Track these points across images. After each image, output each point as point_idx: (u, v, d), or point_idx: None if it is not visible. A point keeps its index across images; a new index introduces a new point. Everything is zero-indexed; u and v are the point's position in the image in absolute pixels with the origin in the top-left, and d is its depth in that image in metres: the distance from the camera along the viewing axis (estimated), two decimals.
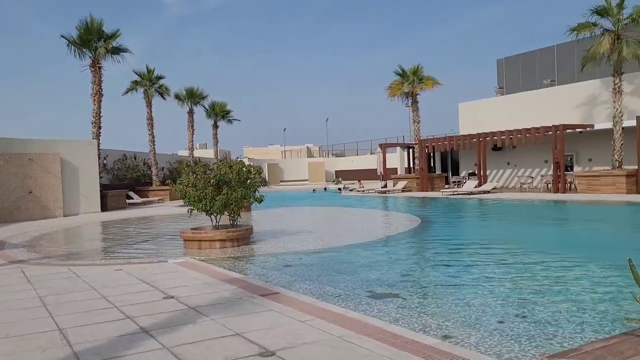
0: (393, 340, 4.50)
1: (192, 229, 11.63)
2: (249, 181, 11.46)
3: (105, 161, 30.12)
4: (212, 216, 11.35)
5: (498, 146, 30.12)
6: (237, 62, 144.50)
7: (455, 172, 35.78)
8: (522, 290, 6.85)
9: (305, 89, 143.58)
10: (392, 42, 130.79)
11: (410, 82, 32.83)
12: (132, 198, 30.19)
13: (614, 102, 22.89)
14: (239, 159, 11.40)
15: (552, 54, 34.30)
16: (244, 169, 11.26)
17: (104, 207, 24.82)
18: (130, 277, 7.90)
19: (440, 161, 36.75)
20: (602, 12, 22.61)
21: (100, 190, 24.83)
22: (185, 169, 11.46)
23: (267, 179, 54.44)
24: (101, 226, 18.31)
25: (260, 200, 11.61)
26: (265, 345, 4.51)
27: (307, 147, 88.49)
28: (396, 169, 40.55)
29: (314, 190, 41.79)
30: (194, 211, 11.42)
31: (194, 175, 11.22)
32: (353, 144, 75.00)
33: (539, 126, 25.52)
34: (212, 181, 10.93)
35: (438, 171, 35.95)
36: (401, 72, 33.15)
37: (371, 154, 62.35)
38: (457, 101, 34.57)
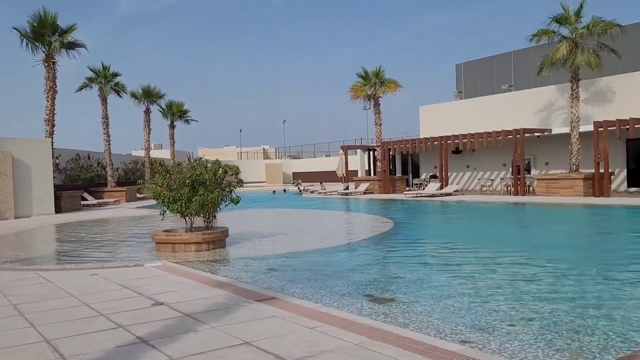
0: (415, 347, 4.32)
1: (165, 231, 11.15)
2: (224, 182, 11.07)
3: (57, 161, 28.81)
4: (187, 218, 10.90)
5: (459, 149, 30.65)
6: (192, 61, 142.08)
7: (416, 174, 36.18)
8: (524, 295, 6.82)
9: (261, 89, 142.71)
10: (352, 43, 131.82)
11: (372, 85, 32.96)
12: (86, 199, 28.99)
13: (571, 107, 23.63)
14: (202, 160, 10.99)
15: (510, 60, 35.24)
16: (220, 169, 10.87)
17: (58, 209, 23.71)
18: (110, 283, 7.43)
19: (401, 164, 37.07)
20: (561, 20, 23.31)
21: (54, 191, 23.71)
22: (158, 168, 10.97)
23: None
24: (59, 229, 17.40)
25: (237, 202, 11.23)
26: (281, 355, 4.24)
27: (264, 148, 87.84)
28: (356, 171, 40.63)
29: (274, 191, 41.40)
30: (166, 213, 10.95)
31: (168, 176, 10.74)
32: (310, 146, 75.00)
33: (499, 130, 26.10)
34: (187, 182, 10.49)
35: (399, 173, 36.24)
36: (364, 74, 33.23)
37: (326, 156, 62.42)
38: (417, 104, 35.03)
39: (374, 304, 6.23)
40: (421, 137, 33.47)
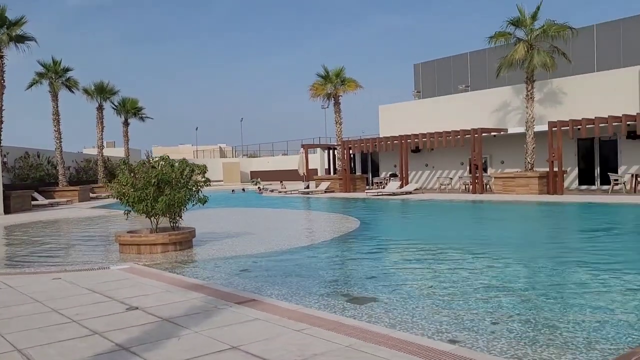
0: (407, 347, 4.28)
1: (129, 232, 10.78)
2: (190, 181, 10.79)
3: (5, 159, 27.50)
4: (152, 218, 10.57)
5: (418, 148, 31.06)
6: (145, 56, 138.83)
7: (375, 173, 36.48)
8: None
9: (218, 87, 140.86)
10: (310, 41, 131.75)
11: (334, 84, 33.01)
12: (36, 199, 27.80)
13: (527, 107, 24.33)
14: (168, 158, 10.69)
15: (466, 60, 35.97)
16: (187, 168, 10.58)
17: (7, 210, 22.66)
18: (76, 287, 7.10)
19: (361, 162, 37.30)
20: (516, 22, 23.96)
21: (2, 191, 22.63)
22: (122, 167, 10.57)
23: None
24: (10, 230, 16.59)
25: (204, 201, 10.96)
26: (273, 359, 4.12)
27: (220, 147, 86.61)
28: (316, 169, 40.61)
29: (233, 190, 40.89)
30: (130, 213, 10.59)
31: (132, 175, 10.37)
32: (268, 144, 74.58)
33: (458, 129, 26.60)
34: (153, 181, 10.16)
35: (359, 172, 36.45)
36: (324, 73, 33.23)
37: (284, 154, 62.21)
38: (374, 103, 35.31)
39: (355, 304, 6.17)
40: (381, 136, 33.79)
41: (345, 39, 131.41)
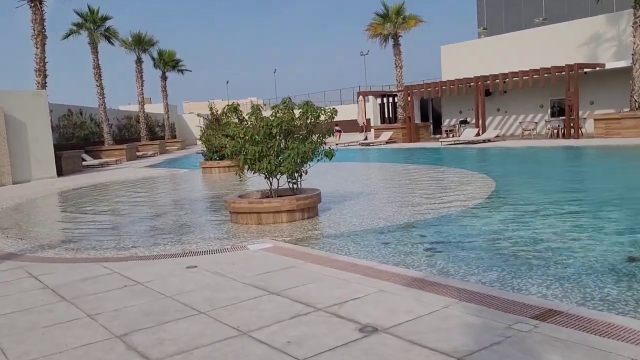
0: None
1: (241, 197, 8.60)
2: (316, 130, 8.48)
3: (50, 117, 25.58)
4: (272, 179, 8.36)
5: (489, 91, 28.13)
6: (171, 10, 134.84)
7: (437, 121, 33.74)
8: None
9: (249, 39, 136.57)
10: None
11: (393, 23, 29.91)
12: (85, 160, 26.01)
13: (634, 37, 21.13)
14: (290, 102, 8.32)
15: None
16: (312, 113, 8.22)
17: (59, 172, 20.83)
18: (229, 281, 4.93)
19: (420, 110, 34.50)
20: None
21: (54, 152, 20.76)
22: (230, 115, 8.30)
23: None
24: (78, 196, 14.55)
25: (331, 156, 8.61)
26: None
27: (251, 100, 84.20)
28: (369, 120, 37.94)
29: None
30: (246, 173, 8.38)
31: (245, 124, 8.09)
32: (304, 96, 71.64)
33: (537, 68, 23.54)
34: (275, 131, 7.87)
35: (417, 120, 33.72)
36: (384, 11, 30.10)
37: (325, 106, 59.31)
38: (431, 44, 32.18)
39: None
40: (444, 79, 30.84)
41: None
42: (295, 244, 6.68)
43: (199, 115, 50.69)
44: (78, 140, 28.91)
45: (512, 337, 3.35)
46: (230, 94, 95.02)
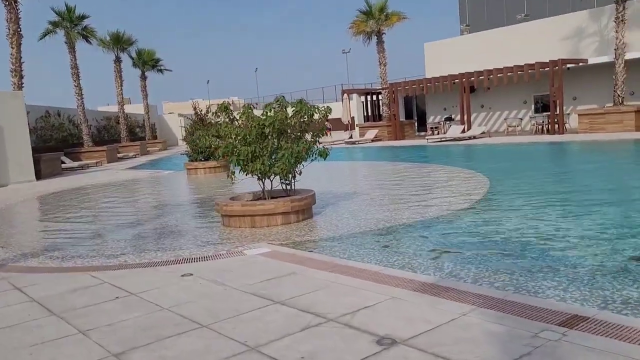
0: None
1: (233, 200, 8.30)
2: (309, 129, 8.23)
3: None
4: (265, 181, 8.08)
5: (473, 88, 28.13)
6: (152, 7, 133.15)
7: (421, 118, 33.70)
8: None
9: (229, 38, 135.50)
10: None
11: (376, 20, 29.75)
12: (64, 162, 25.37)
13: (617, 32, 21.26)
14: (283, 100, 8.05)
15: None
16: (307, 111, 7.96)
17: (38, 175, 20.23)
18: (228, 290, 4.66)
19: (404, 107, 34.42)
20: None
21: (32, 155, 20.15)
22: (221, 114, 7.99)
23: None
24: (59, 200, 14.06)
25: (326, 155, 8.35)
26: None
27: (232, 100, 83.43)
28: (353, 118, 37.71)
29: None
30: (237, 174, 8.09)
31: (237, 123, 7.81)
32: (286, 94, 71.11)
33: (521, 64, 23.55)
34: (267, 130, 7.60)
35: (401, 118, 33.63)
36: (366, 9, 29.92)
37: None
38: (412, 43, 32.12)
39: None
40: (427, 76, 30.77)
41: None
42: (293, 248, 6.42)
43: (180, 115, 50.02)
44: (56, 143, 28.19)
45: (542, 347, 3.14)
46: (211, 93, 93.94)
